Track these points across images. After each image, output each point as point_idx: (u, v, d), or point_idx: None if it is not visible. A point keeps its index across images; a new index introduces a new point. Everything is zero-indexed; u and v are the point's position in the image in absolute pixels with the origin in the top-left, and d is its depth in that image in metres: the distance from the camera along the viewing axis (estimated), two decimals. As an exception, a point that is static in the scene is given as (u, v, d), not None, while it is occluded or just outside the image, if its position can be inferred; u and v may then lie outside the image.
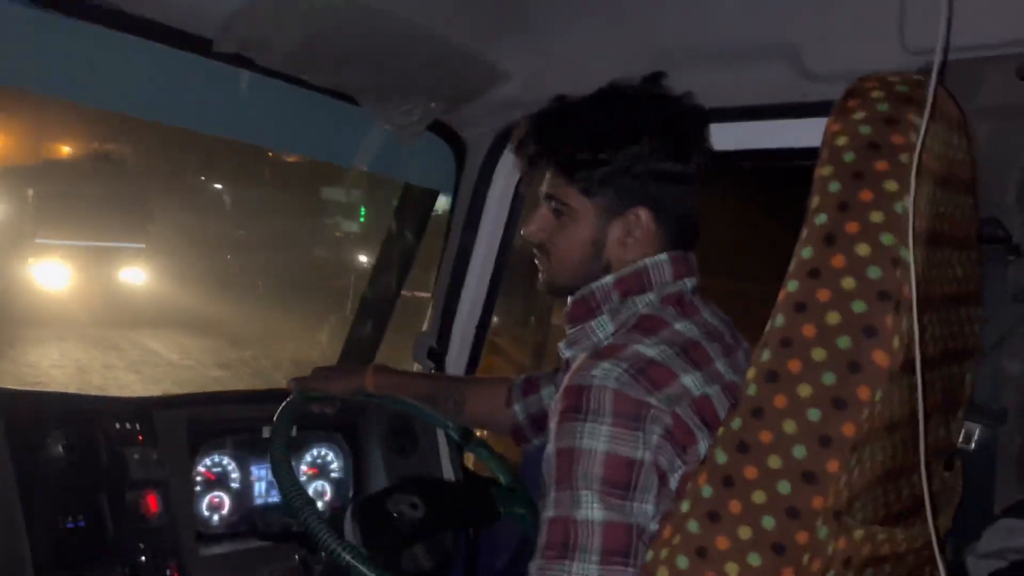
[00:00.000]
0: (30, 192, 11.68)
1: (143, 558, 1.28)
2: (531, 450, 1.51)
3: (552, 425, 0.97)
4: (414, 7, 1.34)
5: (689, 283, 1.11)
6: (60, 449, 1.24)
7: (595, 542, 0.90)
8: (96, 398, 1.41)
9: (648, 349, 0.98)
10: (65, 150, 12.90)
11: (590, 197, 1.10)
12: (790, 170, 1.37)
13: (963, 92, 0.99)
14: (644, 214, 1.09)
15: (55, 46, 1.30)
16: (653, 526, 0.92)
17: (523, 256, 1.34)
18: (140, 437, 1.35)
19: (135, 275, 11.18)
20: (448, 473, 1.68)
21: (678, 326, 1.04)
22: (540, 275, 1.19)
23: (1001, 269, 1.11)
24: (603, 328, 1.09)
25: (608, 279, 1.10)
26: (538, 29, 1.44)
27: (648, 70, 1.16)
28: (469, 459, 1.72)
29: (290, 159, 12.40)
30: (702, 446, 0.94)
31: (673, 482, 0.94)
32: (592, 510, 0.91)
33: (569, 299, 1.15)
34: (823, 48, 1.25)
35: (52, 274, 10.62)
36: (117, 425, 1.34)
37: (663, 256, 1.09)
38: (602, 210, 1.10)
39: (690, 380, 0.97)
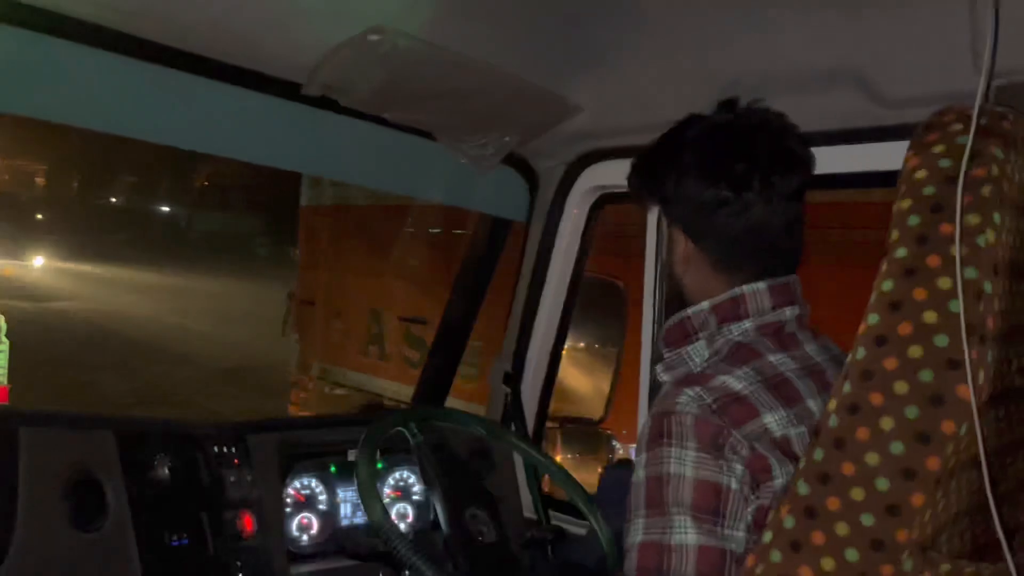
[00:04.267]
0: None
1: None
2: (610, 473, 1.54)
3: (639, 452, 0.97)
4: (489, 48, 1.39)
5: (790, 312, 1.07)
6: (166, 471, 1.33)
7: (689, 566, 0.90)
8: (195, 423, 1.50)
9: (736, 382, 0.97)
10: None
11: (667, 224, 1.15)
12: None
13: None
14: (680, 237, 1.11)
15: (157, 96, 1.41)
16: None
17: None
18: (236, 460, 1.43)
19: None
20: (525, 496, 1.72)
21: (772, 358, 1.02)
22: None
23: None
24: (699, 353, 1.07)
25: (704, 304, 1.08)
26: (608, 63, 1.47)
27: (717, 100, 1.15)
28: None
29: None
30: (779, 482, 0.93)
31: (749, 515, 0.93)
32: (686, 534, 0.90)
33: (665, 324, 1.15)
34: (894, 73, 1.24)
35: None
36: (215, 448, 1.42)
37: (760, 284, 1.06)
38: (672, 234, 1.14)
39: (773, 418, 0.96)
